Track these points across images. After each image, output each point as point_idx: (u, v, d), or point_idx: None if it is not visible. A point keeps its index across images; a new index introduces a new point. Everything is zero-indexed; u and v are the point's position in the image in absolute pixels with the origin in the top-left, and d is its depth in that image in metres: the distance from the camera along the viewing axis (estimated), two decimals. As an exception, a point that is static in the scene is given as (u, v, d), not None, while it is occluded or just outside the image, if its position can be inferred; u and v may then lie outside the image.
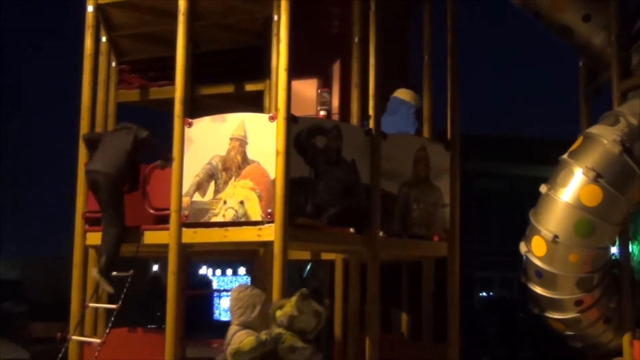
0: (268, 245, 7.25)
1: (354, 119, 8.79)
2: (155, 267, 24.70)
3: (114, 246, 7.68)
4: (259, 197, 7.19)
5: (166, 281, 7.70)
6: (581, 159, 8.48)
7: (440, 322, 8.68)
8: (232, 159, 7.36)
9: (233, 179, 7.33)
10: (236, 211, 7.29)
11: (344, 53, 9.12)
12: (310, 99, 8.92)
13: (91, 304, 8.17)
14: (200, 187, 7.49)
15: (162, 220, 7.70)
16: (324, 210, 7.47)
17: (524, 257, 8.71)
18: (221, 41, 9.00)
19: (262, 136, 7.28)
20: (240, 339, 5.30)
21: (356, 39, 8.82)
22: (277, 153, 7.13)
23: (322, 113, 8.79)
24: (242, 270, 32.42)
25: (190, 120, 7.67)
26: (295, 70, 7.48)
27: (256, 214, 7.19)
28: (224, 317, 31.08)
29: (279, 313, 5.24)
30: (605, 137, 8.48)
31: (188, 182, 7.54)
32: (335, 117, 8.98)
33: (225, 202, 7.35)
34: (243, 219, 7.26)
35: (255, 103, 8.63)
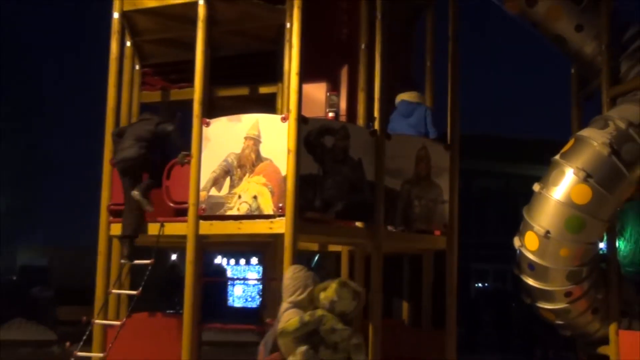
0: (279, 237, 7.26)
1: (360, 120, 8.79)
2: (174, 257, 24.75)
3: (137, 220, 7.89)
4: (271, 192, 7.20)
5: (184, 269, 7.74)
6: (572, 160, 8.47)
7: (439, 310, 8.68)
8: (247, 157, 7.38)
9: (247, 175, 7.35)
10: (250, 205, 7.31)
11: (351, 58, 9.12)
12: (320, 102, 8.92)
13: (114, 290, 8.21)
14: (216, 182, 7.51)
15: (181, 213, 7.72)
16: (332, 205, 7.48)
17: (518, 251, 8.71)
18: (237, 46, 9.02)
19: (274, 135, 7.29)
20: (287, 317, 5.31)
21: (363, 46, 8.83)
22: (289, 151, 7.15)
23: (330, 114, 8.79)
24: (254, 260, 32.44)
25: (207, 120, 7.69)
26: (306, 74, 7.50)
27: (268, 208, 7.21)
28: (237, 303, 31.18)
29: (322, 295, 5.27)
30: (595, 140, 8.46)
31: (205, 178, 7.56)
32: (343, 119, 8.97)
33: (239, 197, 7.37)
34: (256, 213, 7.28)
35: (268, 104, 8.64)
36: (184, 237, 7.61)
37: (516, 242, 8.71)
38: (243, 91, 9.14)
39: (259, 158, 7.33)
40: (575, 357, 11.35)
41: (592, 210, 8.32)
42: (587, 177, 8.29)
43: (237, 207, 7.37)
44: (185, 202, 7.62)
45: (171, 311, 8.70)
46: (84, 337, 7.98)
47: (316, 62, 8.16)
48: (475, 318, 18.53)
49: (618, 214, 9.18)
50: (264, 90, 8.85)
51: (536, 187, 8.65)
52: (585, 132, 8.71)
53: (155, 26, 8.80)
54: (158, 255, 7.94)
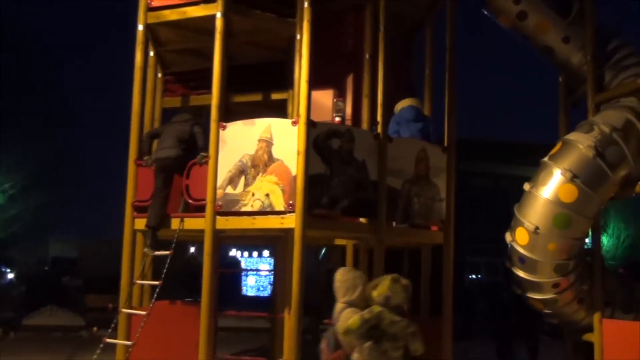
0: (289, 231, 7.27)
1: (365, 124, 8.80)
2: (192, 249, 24.80)
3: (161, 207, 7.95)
4: (282, 190, 7.21)
5: (202, 261, 7.75)
6: (560, 161, 8.44)
7: (436, 299, 8.68)
8: (260, 158, 7.38)
9: (260, 174, 7.36)
10: (262, 202, 7.31)
11: (356, 67, 9.12)
12: (327, 107, 8.91)
13: (138, 281, 8.22)
14: (232, 181, 7.51)
15: (199, 209, 7.73)
16: (338, 203, 7.48)
17: (509, 246, 8.68)
18: (251, 56, 9.03)
19: (285, 138, 7.30)
20: (346, 316, 5.33)
21: (367, 56, 8.84)
22: (298, 153, 7.16)
23: (337, 119, 8.80)
24: (266, 252, 32.50)
25: (224, 123, 7.69)
26: (314, 82, 7.51)
27: (279, 205, 7.21)
28: (250, 292, 31.21)
29: (374, 293, 5.31)
30: (581, 143, 8.43)
31: (222, 177, 7.57)
32: (348, 123, 8.97)
33: (253, 194, 7.37)
34: (268, 209, 7.29)
35: (280, 110, 8.65)
36: (202, 231, 7.62)
37: (508, 237, 8.69)
38: (257, 97, 9.16)
39: (271, 159, 7.33)
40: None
41: (578, 208, 8.29)
42: (573, 177, 8.26)
43: (251, 204, 7.38)
44: (204, 199, 7.64)
45: (190, 299, 8.71)
46: (112, 325, 8.01)
47: (324, 71, 8.16)
48: (469, 306, 18.52)
49: (602, 212, 9.14)
50: (275, 96, 8.86)
51: (526, 186, 8.62)
52: (572, 136, 8.67)
53: (176, 37, 8.82)
54: (178, 247, 7.96)
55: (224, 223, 7.57)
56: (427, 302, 8.96)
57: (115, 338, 7.97)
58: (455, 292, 8.64)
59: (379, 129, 7.97)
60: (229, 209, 7.51)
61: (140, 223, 8.21)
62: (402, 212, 8.10)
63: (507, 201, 9.07)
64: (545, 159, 8.64)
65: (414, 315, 9.08)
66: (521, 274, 8.62)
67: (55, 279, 23.54)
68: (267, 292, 28.86)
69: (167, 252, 7.89)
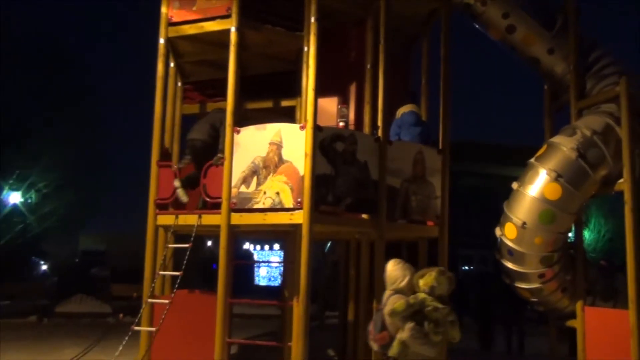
0: (298, 226, 7.27)
1: (366, 128, 8.79)
2: (209, 243, 24.81)
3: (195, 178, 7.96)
4: (291, 189, 7.21)
5: (218, 253, 7.75)
6: (545, 162, 8.42)
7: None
8: (271, 159, 7.38)
9: (271, 174, 7.36)
10: (273, 200, 7.31)
11: (358, 77, 9.11)
12: (332, 113, 8.91)
13: (161, 272, 8.23)
14: (245, 180, 7.51)
15: (215, 206, 7.74)
16: (342, 200, 7.48)
17: (499, 239, 8.66)
18: (263, 67, 9.03)
19: (294, 141, 7.29)
20: (393, 301, 5.36)
21: (368, 66, 8.83)
22: (306, 155, 7.15)
23: (341, 124, 8.79)
24: (276, 246, 32.48)
25: (238, 128, 7.69)
26: (320, 90, 7.51)
27: (289, 202, 7.21)
28: (262, 282, 31.21)
29: (421, 282, 5.33)
30: (564, 145, 8.41)
31: (236, 177, 7.57)
32: (352, 127, 8.96)
33: (264, 193, 7.37)
34: (278, 206, 7.29)
35: (289, 115, 8.65)
36: (218, 226, 7.63)
37: (497, 231, 8.67)
38: (268, 104, 9.16)
39: (281, 160, 7.33)
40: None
41: (562, 205, 8.27)
42: (557, 177, 8.24)
43: (263, 202, 7.38)
44: (219, 197, 7.64)
45: (207, 289, 8.73)
46: (140, 313, 8.03)
47: (329, 80, 8.16)
48: (462, 295, 18.46)
49: (584, 209, 9.11)
50: (285, 103, 8.86)
51: (515, 185, 8.61)
52: (556, 139, 8.65)
53: (194, 50, 8.82)
54: (196, 241, 7.96)
55: (238, 219, 7.58)
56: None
57: (140, 325, 7.98)
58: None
59: (380, 132, 7.97)
60: (242, 206, 7.51)
61: (162, 219, 8.22)
62: (400, 208, 8.09)
63: (496, 199, 9.06)
64: (532, 160, 8.62)
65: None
66: (510, 265, 8.60)
67: (84, 270, 23.57)
68: (277, 282, 28.84)
69: (187, 245, 7.89)
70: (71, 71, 21.81)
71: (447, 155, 8.60)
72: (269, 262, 33.17)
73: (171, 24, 8.35)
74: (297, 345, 7.19)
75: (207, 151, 8.00)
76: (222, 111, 8.18)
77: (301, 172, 7.16)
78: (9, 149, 20.08)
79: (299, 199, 7.12)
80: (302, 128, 7.29)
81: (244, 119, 8.15)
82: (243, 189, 7.51)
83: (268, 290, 26.67)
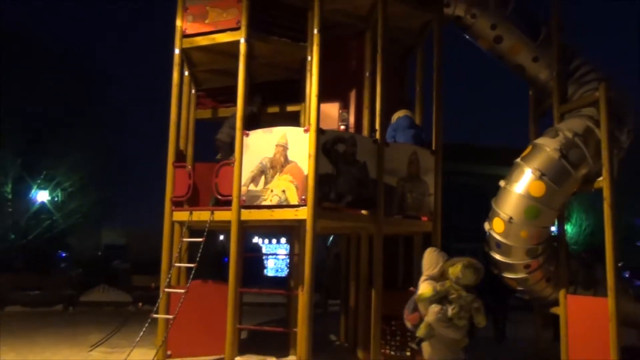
0: (302, 221, 7.28)
1: (365, 131, 8.78)
2: (221, 237, 24.78)
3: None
4: (296, 187, 7.22)
5: (229, 246, 7.77)
6: (530, 162, 8.41)
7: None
8: (277, 160, 7.39)
9: (278, 174, 7.37)
10: (280, 197, 7.32)
11: (358, 84, 9.11)
12: (334, 117, 8.92)
13: (176, 264, 8.25)
14: (254, 180, 7.53)
15: (226, 203, 7.75)
16: (343, 197, 7.48)
17: (487, 233, 8.66)
18: (270, 75, 9.05)
19: (299, 143, 7.30)
20: (424, 287, 5.44)
21: (367, 74, 8.83)
22: (310, 156, 7.16)
23: (342, 127, 8.79)
24: (283, 239, 32.46)
25: (247, 132, 7.70)
26: (323, 96, 7.52)
27: (294, 200, 7.22)
28: (270, 273, 31.20)
29: (450, 270, 5.36)
30: (548, 146, 8.40)
31: (245, 176, 7.59)
32: (352, 130, 8.96)
33: (272, 191, 7.39)
34: (284, 203, 7.30)
35: (294, 119, 8.66)
36: (229, 222, 7.65)
37: (486, 226, 8.67)
38: (274, 109, 9.17)
39: (286, 161, 7.34)
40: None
41: (546, 201, 8.25)
42: (542, 175, 8.22)
43: (270, 199, 7.39)
44: (230, 195, 7.66)
45: (219, 279, 8.75)
46: (158, 302, 8.05)
47: (331, 87, 8.16)
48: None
49: (566, 205, 9.10)
50: (290, 108, 8.87)
51: (502, 183, 8.59)
52: (540, 140, 8.64)
53: (207, 59, 8.84)
54: (209, 235, 7.98)
55: (247, 215, 7.59)
56: (418, 280, 8.92)
57: (158, 313, 8.00)
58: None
59: (378, 135, 7.96)
60: (251, 203, 7.53)
61: (178, 215, 8.23)
62: (397, 205, 8.09)
63: (485, 196, 9.03)
64: (518, 160, 8.60)
65: (409, 290, 9.10)
66: (498, 257, 8.59)
67: (107, 263, 23.60)
68: (284, 273, 28.85)
69: (200, 240, 7.92)
70: (94, 79, 21.86)
71: (439, 156, 8.60)
72: (276, 254, 33.16)
73: (185, 35, 8.37)
74: (302, 331, 7.21)
75: (228, 150, 8.08)
76: (257, 97, 8.27)
77: (305, 172, 7.17)
78: (38, 151, 20.14)
79: (304, 197, 7.12)
80: (306, 131, 7.29)
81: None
82: (252, 187, 7.52)
83: (275, 281, 26.66)
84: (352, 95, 9.21)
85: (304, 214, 7.12)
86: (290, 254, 9.42)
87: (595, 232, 23.69)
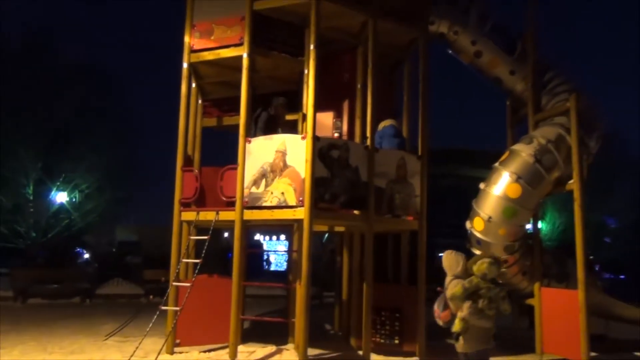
0: (300, 221, 7.28)
1: (357, 138, 8.79)
2: (225, 234, 24.75)
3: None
4: (294, 189, 7.22)
5: (233, 243, 7.77)
6: (507, 166, 8.45)
7: (413, 272, 8.67)
8: (277, 165, 7.40)
9: (277, 177, 7.37)
10: (279, 199, 7.32)
11: (351, 95, 9.11)
12: (328, 126, 8.91)
13: (184, 260, 8.24)
14: (255, 183, 7.53)
15: (231, 204, 7.75)
16: (337, 198, 7.49)
17: (469, 231, 8.69)
18: (270, 86, 9.04)
19: (296, 149, 7.31)
20: (453, 286, 5.47)
21: (359, 85, 8.85)
22: (306, 161, 7.17)
23: (336, 135, 8.79)
24: (282, 236, 32.47)
25: (249, 138, 7.71)
26: (318, 106, 7.52)
27: (292, 201, 7.23)
28: (271, 267, 31.19)
29: (475, 268, 5.42)
30: (523, 152, 8.44)
31: (248, 180, 7.59)
32: (345, 137, 8.97)
33: (272, 193, 7.39)
34: (284, 204, 7.30)
35: (292, 127, 8.66)
36: (233, 221, 7.64)
37: (467, 224, 8.70)
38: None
39: (285, 165, 7.34)
40: None
41: (522, 202, 8.29)
42: (518, 178, 8.27)
43: (270, 200, 7.39)
44: (234, 197, 7.66)
45: (223, 274, 8.73)
46: (167, 295, 8.04)
47: (326, 97, 8.15)
48: (438, 277, 18.39)
49: (541, 205, 9.14)
50: (289, 117, 8.86)
51: (482, 185, 8.63)
52: (516, 147, 8.68)
53: (213, 73, 8.84)
54: (214, 233, 7.97)
55: (249, 215, 7.59)
56: (406, 274, 8.96)
57: (167, 305, 8.00)
58: (428, 267, 8.63)
59: (369, 142, 7.98)
60: (253, 204, 7.53)
61: (186, 215, 8.23)
62: (386, 205, 8.10)
63: (467, 197, 9.05)
64: (496, 164, 8.64)
65: (397, 284, 9.14)
66: (478, 252, 8.62)
67: (120, 258, 23.50)
68: (283, 268, 28.86)
69: (206, 237, 7.91)
70: (109, 89, 21.83)
71: (425, 160, 8.62)
72: (276, 250, 33.15)
73: (193, 51, 8.37)
74: (299, 321, 7.21)
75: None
76: (278, 100, 8.21)
77: (302, 175, 7.17)
78: (57, 155, 20.09)
79: (301, 198, 7.13)
80: (303, 138, 7.30)
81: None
82: (254, 189, 7.53)
83: (275, 274, 26.66)
84: (345, 105, 9.21)
85: (301, 214, 7.13)
86: (289, 250, 9.42)
87: (567, 229, 23.76)
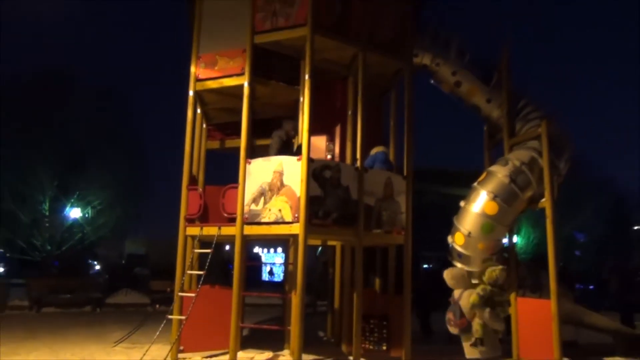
0: (295, 236, 7.27)
1: (348, 160, 8.82)
2: (227, 247, 24.63)
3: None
4: (290, 207, 7.22)
5: (234, 256, 7.74)
6: (485, 186, 8.49)
7: (399, 282, 8.64)
8: (275, 184, 7.41)
9: (275, 195, 7.38)
10: (276, 215, 7.32)
11: (342, 120, 9.14)
12: (322, 148, 8.94)
13: (188, 271, 8.20)
14: (255, 200, 7.53)
15: (232, 220, 7.74)
16: (329, 215, 7.49)
17: (450, 245, 8.68)
18: (269, 112, 9.08)
19: (292, 170, 7.33)
20: (467, 295, 5.55)
21: (349, 112, 8.89)
22: (302, 180, 7.19)
23: (328, 157, 8.82)
24: (279, 249, 32.32)
25: (249, 160, 7.73)
26: (313, 130, 7.56)
27: (288, 217, 7.22)
28: (269, 278, 30.98)
29: (485, 276, 5.41)
30: (500, 173, 8.49)
31: (248, 198, 7.58)
32: (337, 159, 8.99)
33: (270, 210, 7.39)
34: (280, 220, 7.29)
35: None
36: (233, 236, 7.62)
37: (449, 239, 8.70)
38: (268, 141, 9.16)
39: (282, 185, 7.36)
40: None
41: (499, 218, 8.32)
42: (495, 197, 8.30)
43: (268, 217, 7.38)
44: (235, 213, 7.64)
45: (224, 284, 8.68)
46: (172, 304, 7.98)
47: (319, 122, 8.20)
48: (423, 288, 18.25)
49: (516, 221, 9.16)
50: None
51: (462, 203, 8.66)
52: (493, 168, 8.73)
53: (216, 99, 8.88)
54: (216, 247, 7.95)
55: (249, 230, 7.58)
56: (393, 285, 8.93)
57: (172, 314, 7.93)
58: (413, 277, 8.61)
59: (359, 163, 8.01)
60: (253, 220, 7.52)
61: (190, 230, 8.20)
62: (375, 221, 8.11)
63: (448, 213, 9.07)
64: (475, 184, 8.68)
65: (384, 293, 9.10)
66: (459, 265, 8.61)
67: (129, 269, 23.29)
68: (280, 278, 28.65)
69: (208, 250, 7.89)
70: (121, 112, 21.84)
71: (410, 180, 8.65)
72: (273, 263, 32.98)
73: (198, 80, 8.42)
74: (294, 328, 7.17)
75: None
76: (288, 124, 8.17)
77: (298, 194, 7.18)
78: (73, 174, 20.04)
79: (297, 215, 7.13)
80: (298, 160, 7.33)
81: (254, 152, 8.18)
82: (253, 206, 7.52)
83: (273, 285, 26.47)
84: (337, 130, 9.25)
85: (297, 229, 7.12)
86: (285, 262, 9.39)
87: (540, 243, 23.76)
